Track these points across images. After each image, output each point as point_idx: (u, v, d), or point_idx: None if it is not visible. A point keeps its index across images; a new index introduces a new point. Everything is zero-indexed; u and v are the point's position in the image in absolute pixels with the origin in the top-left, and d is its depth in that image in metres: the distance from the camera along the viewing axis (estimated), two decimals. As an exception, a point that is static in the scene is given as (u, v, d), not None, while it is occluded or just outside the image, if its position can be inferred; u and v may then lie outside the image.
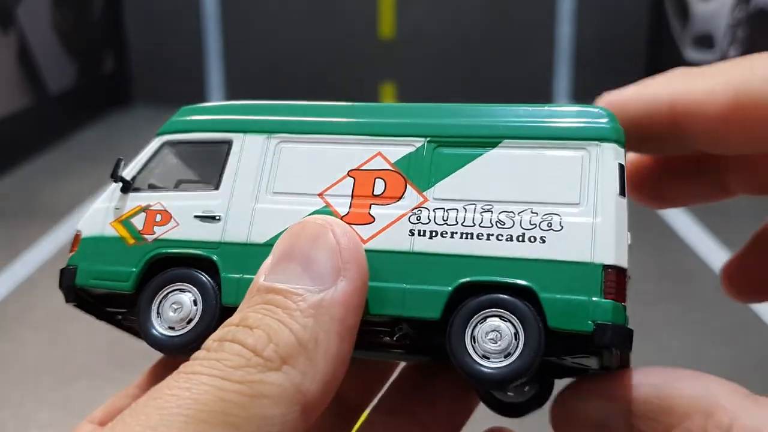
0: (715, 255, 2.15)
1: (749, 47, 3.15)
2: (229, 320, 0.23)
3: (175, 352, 0.27)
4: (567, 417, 0.27)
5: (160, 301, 0.28)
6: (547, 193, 0.27)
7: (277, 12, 4.17)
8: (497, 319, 0.26)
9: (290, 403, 0.21)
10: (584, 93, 4.18)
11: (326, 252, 0.23)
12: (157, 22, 4.18)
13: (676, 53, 3.89)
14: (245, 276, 0.27)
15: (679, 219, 2.41)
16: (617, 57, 4.19)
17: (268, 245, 0.26)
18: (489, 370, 0.25)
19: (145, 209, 0.29)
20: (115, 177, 0.30)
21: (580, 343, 0.26)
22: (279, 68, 4.21)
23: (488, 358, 0.25)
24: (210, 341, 0.22)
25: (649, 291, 1.95)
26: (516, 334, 0.25)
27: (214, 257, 0.27)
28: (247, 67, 4.25)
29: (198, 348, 0.24)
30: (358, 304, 0.23)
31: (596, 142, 0.28)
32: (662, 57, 4.07)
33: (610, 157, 0.28)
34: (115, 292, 0.28)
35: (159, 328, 0.28)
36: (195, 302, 0.27)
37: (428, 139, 0.27)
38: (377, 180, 0.27)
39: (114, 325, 0.31)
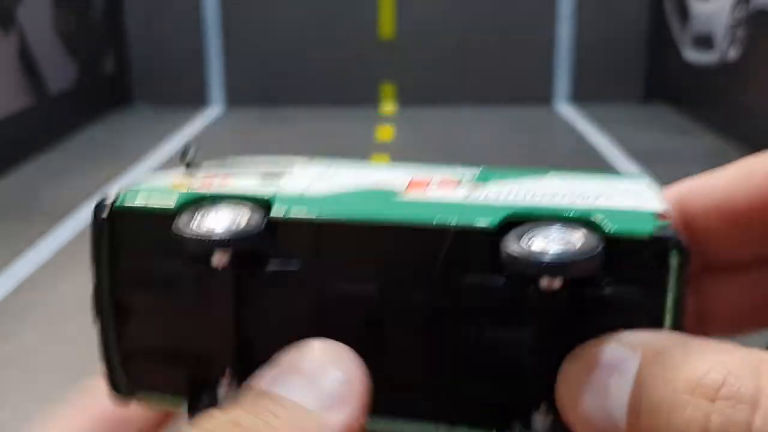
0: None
1: (749, 48, 3.15)
2: (217, 414, 0.22)
3: (204, 248, 0.26)
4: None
5: (203, 214, 0.27)
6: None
7: (277, 12, 4.17)
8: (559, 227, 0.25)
9: None
10: (584, 94, 4.18)
11: (335, 378, 0.22)
12: (157, 23, 4.18)
13: (675, 54, 3.89)
14: (294, 207, 0.26)
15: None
16: (617, 57, 4.19)
17: (329, 196, 0.26)
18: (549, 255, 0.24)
19: (206, 177, 0.29)
20: (184, 160, 0.30)
21: (636, 255, 0.25)
22: (279, 68, 4.22)
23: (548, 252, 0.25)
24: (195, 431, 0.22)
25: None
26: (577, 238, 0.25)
27: (266, 197, 0.27)
28: (247, 68, 4.25)
29: (225, 246, 0.24)
30: None
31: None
32: (662, 57, 4.07)
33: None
34: (156, 211, 0.26)
35: (195, 228, 0.27)
36: (237, 218, 0.27)
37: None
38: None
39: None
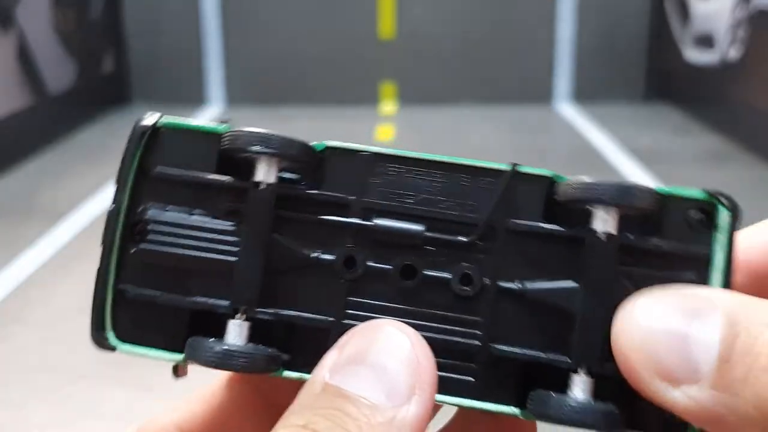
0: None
1: (750, 47, 3.15)
2: (290, 418, 0.21)
3: (256, 142, 0.25)
4: None
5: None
6: None
7: (276, 12, 4.17)
8: None
9: None
10: (584, 94, 4.18)
11: (404, 366, 0.21)
12: (156, 23, 4.18)
13: (676, 53, 3.89)
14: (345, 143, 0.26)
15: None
16: (618, 57, 4.19)
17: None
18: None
19: None
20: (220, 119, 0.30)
21: (687, 213, 0.25)
22: (279, 68, 4.22)
23: None
24: None
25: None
26: None
27: (314, 143, 0.26)
28: (247, 67, 4.25)
29: (274, 151, 0.24)
30: (425, 426, 0.21)
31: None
32: (662, 57, 4.07)
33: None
34: (204, 129, 0.26)
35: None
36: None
37: None
38: None
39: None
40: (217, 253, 0.25)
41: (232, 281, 0.25)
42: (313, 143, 0.25)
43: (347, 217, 0.25)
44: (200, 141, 0.26)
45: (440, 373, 0.23)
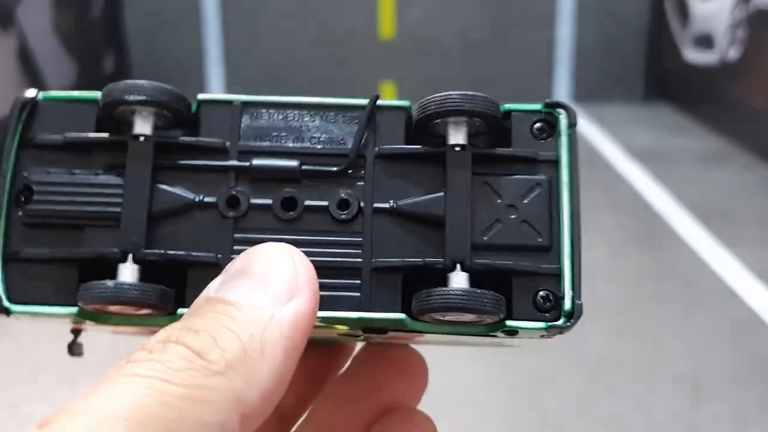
0: (716, 255, 2.15)
1: (749, 48, 3.15)
2: (171, 325, 0.22)
3: (131, 93, 0.27)
4: None
5: None
6: None
7: (277, 12, 4.17)
8: None
9: (230, 410, 0.20)
10: (584, 94, 4.18)
11: (283, 273, 0.23)
12: (157, 23, 4.19)
13: (675, 53, 3.90)
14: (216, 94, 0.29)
15: (681, 218, 2.41)
16: (617, 57, 4.19)
17: None
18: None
19: None
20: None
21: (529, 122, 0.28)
22: (279, 69, 4.22)
23: None
24: (152, 341, 0.21)
25: (649, 291, 1.96)
26: None
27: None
28: (247, 68, 4.26)
29: (150, 100, 0.25)
30: (307, 327, 0.22)
31: None
32: (662, 57, 4.07)
33: None
34: (82, 98, 0.29)
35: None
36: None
37: None
38: None
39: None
40: (102, 206, 0.26)
41: (118, 230, 0.26)
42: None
43: (225, 161, 0.27)
44: (79, 108, 0.28)
45: (330, 293, 0.25)
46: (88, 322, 0.26)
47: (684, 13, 3.78)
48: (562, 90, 4.24)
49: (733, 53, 3.28)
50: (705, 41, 3.56)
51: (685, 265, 2.12)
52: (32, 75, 3.25)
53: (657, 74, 4.13)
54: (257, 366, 0.21)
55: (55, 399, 1.52)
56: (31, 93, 0.28)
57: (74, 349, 0.27)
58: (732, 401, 1.51)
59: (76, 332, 0.28)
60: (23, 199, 0.26)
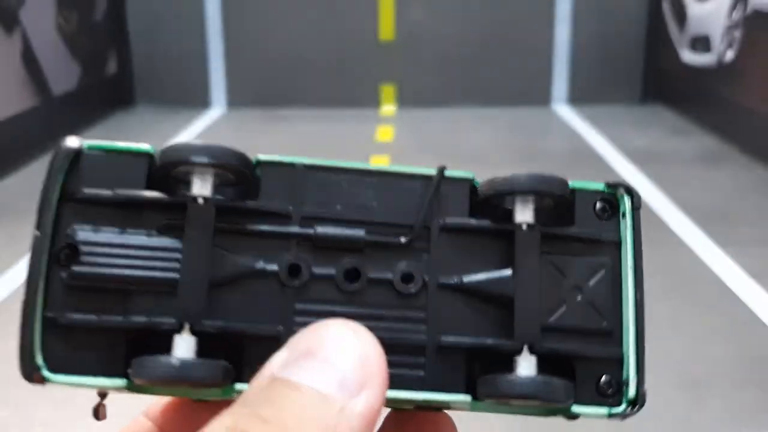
0: (713, 255, 2.15)
1: (746, 49, 3.16)
2: (235, 409, 0.20)
3: (191, 155, 0.24)
4: None
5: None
6: None
7: (278, 14, 4.18)
8: None
9: None
10: (582, 95, 4.18)
11: (355, 360, 0.21)
12: (159, 24, 4.19)
13: (673, 55, 3.90)
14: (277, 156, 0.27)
15: (678, 219, 2.42)
16: (615, 59, 4.19)
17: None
18: None
19: None
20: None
21: (594, 202, 0.28)
22: (280, 69, 4.22)
23: None
24: (218, 427, 0.20)
25: (648, 291, 1.96)
26: None
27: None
28: (249, 69, 4.26)
29: (211, 160, 0.23)
30: (376, 419, 0.21)
31: None
32: (659, 59, 4.07)
33: None
34: (131, 150, 0.25)
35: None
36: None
37: None
38: None
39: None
40: (157, 270, 0.24)
41: (173, 297, 0.24)
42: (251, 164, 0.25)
43: (287, 227, 0.25)
44: (127, 161, 0.25)
45: (391, 370, 0.23)
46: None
47: (681, 14, 3.79)
48: (559, 92, 4.24)
49: (730, 55, 3.28)
50: (702, 43, 3.56)
51: (682, 266, 2.11)
52: (36, 76, 3.27)
53: (654, 76, 4.13)
54: None
55: (57, 398, 1.53)
56: (73, 142, 0.25)
57: (99, 412, 0.25)
58: (730, 401, 1.50)
59: (103, 395, 0.26)
60: (65, 258, 0.24)
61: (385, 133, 3.65)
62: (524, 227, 0.26)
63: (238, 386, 0.24)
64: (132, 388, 0.24)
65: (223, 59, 4.27)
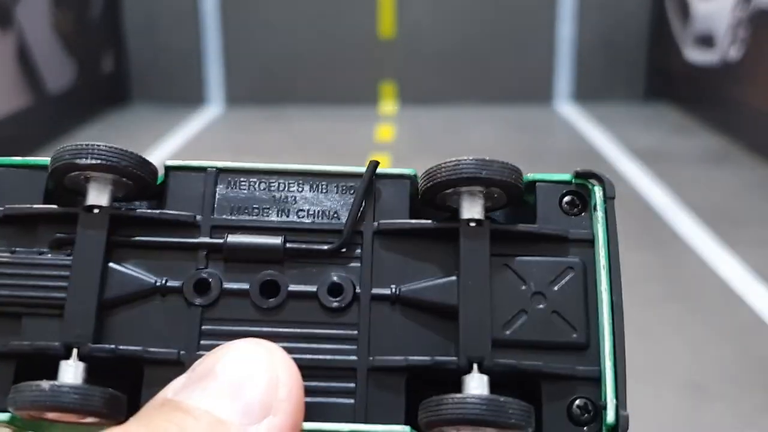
0: (717, 256, 2.14)
1: (750, 47, 3.15)
2: (112, 429, 0.18)
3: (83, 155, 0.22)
4: None
5: None
6: None
7: (276, 11, 4.17)
8: None
9: None
10: (585, 93, 4.17)
11: (260, 382, 0.19)
12: (156, 22, 4.18)
13: (676, 53, 3.89)
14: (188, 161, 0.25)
15: (681, 220, 2.41)
16: (618, 57, 4.19)
17: None
18: None
19: None
20: None
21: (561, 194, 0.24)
22: (278, 68, 4.21)
23: None
24: None
25: (651, 292, 1.95)
26: None
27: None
28: (247, 67, 4.24)
29: (105, 163, 0.21)
30: None
31: None
32: (663, 57, 4.07)
33: None
34: (29, 163, 0.23)
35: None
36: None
37: None
38: None
39: None
40: (45, 290, 0.22)
41: (61, 320, 0.21)
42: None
43: (195, 238, 0.22)
44: (26, 176, 0.23)
45: (316, 399, 0.21)
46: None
47: (685, 12, 3.78)
48: (562, 89, 4.23)
49: (734, 53, 3.27)
50: (706, 41, 3.55)
51: (686, 265, 2.11)
52: (31, 75, 3.25)
53: (658, 74, 4.12)
54: None
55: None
56: None
57: None
58: (734, 402, 1.50)
59: None
60: None
61: (384, 132, 3.63)
62: (471, 224, 0.22)
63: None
64: (18, 423, 0.21)
65: (221, 56, 4.26)
